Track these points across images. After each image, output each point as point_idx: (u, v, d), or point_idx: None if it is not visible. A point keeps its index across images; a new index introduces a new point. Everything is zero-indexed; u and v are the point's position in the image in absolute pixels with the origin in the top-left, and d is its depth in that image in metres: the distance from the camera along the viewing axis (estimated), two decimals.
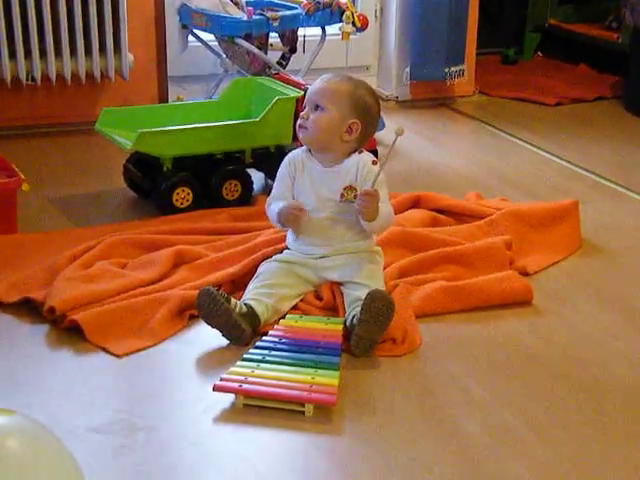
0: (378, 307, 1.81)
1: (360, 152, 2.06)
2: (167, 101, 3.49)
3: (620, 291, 2.20)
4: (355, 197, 2.01)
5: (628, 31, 3.98)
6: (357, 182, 2.02)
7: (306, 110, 2.03)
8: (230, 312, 1.86)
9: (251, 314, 1.90)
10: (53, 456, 1.21)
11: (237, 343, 1.87)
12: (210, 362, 1.84)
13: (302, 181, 2.06)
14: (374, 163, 2.04)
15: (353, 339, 1.83)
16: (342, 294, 2.01)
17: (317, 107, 2.01)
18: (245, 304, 1.92)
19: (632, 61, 3.87)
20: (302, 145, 2.09)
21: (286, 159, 2.10)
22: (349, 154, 2.05)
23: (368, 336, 1.82)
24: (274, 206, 2.05)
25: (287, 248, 2.12)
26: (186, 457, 1.55)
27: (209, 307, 1.86)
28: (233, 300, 1.90)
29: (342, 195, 2.03)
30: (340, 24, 3.27)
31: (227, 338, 1.89)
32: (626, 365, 1.87)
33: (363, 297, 1.88)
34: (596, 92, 4.05)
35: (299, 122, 2.03)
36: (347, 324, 1.91)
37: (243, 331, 1.86)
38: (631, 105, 3.82)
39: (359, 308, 1.85)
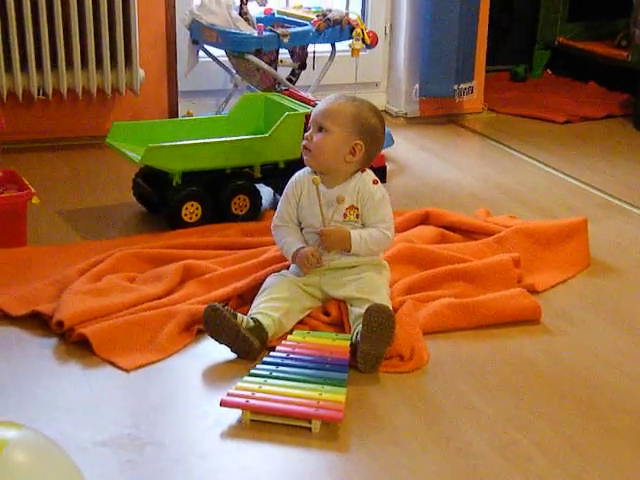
0: (378, 321, 1.81)
1: (363, 171, 2.06)
2: (177, 116, 3.51)
3: (629, 310, 2.20)
4: (357, 217, 2.02)
5: (638, 49, 3.98)
6: (358, 202, 2.03)
7: (310, 131, 2.04)
8: (237, 327, 1.86)
9: (258, 328, 1.90)
10: (61, 470, 1.21)
11: (246, 357, 1.87)
12: (217, 377, 1.84)
13: (307, 202, 2.06)
14: (375, 182, 2.04)
15: (359, 356, 1.83)
16: (348, 310, 2.01)
17: (321, 129, 2.01)
18: (252, 318, 1.92)
19: None
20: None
21: (292, 180, 2.10)
22: (352, 174, 2.05)
23: (373, 351, 1.82)
24: (289, 240, 2.05)
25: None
26: (193, 472, 1.55)
27: (216, 323, 1.86)
28: (240, 315, 1.90)
29: (345, 215, 2.03)
30: (350, 41, 3.28)
31: (235, 353, 1.89)
32: (635, 384, 1.86)
33: None
34: (605, 110, 4.05)
35: (303, 144, 2.04)
36: (352, 341, 1.91)
37: (251, 345, 1.86)
38: None
39: (361, 325, 1.85)
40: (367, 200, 2.02)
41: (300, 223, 2.10)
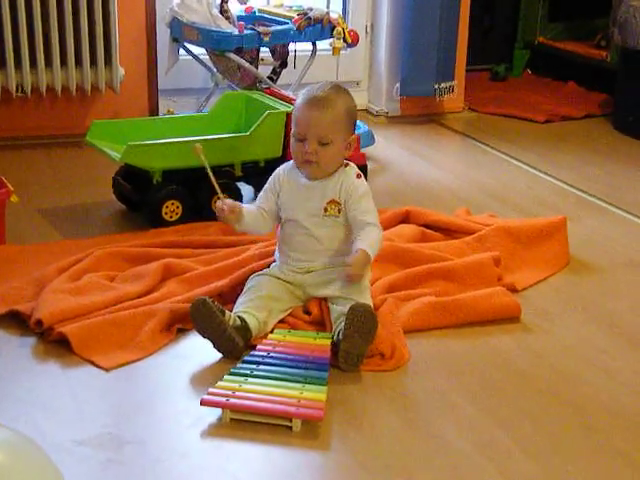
0: (361, 320, 1.81)
1: (346, 165, 2.06)
2: (157, 114, 3.49)
3: (607, 308, 2.21)
4: (339, 211, 2.01)
5: (617, 49, 4.01)
6: (340, 197, 2.02)
7: (310, 145, 1.98)
8: (225, 324, 1.85)
9: (244, 327, 1.90)
10: (39, 470, 1.20)
11: (229, 356, 1.87)
12: (198, 376, 1.84)
13: (288, 195, 2.06)
14: (358, 177, 2.04)
15: (340, 354, 1.83)
16: (329, 309, 2.01)
17: (322, 141, 1.98)
18: (239, 317, 1.92)
19: (620, 79, 3.90)
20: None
21: (275, 173, 2.10)
22: (339, 167, 2.05)
23: (354, 350, 1.82)
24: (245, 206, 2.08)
25: (275, 261, 2.12)
26: (173, 471, 1.54)
27: (203, 318, 1.85)
28: (227, 312, 1.90)
29: (325, 209, 2.03)
30: (331, 39, 3.28)
31: (219, 350, 1.88)
32: (614, 382, 1.87)
33: None
34: (585, 110, 4.08)
35: (306, 158, 1.99)
36: (334, 339, 1.91)
37: (236, 344, 1.86)
38: (619, 123, 3.84)
39: (344, 323, 1.85)
40: (351, 194, 2.01)
41: (280, 218, 2.09)
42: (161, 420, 1.69)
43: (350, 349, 1.82)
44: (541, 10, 4.65)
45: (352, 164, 2.08)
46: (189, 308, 1.88)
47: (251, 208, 2.10)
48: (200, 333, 1.88)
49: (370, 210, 2.02)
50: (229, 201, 2.04)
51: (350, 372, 1.84)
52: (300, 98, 2.03)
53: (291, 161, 2.08)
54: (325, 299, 2.04)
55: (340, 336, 1.85)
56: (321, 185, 2.03)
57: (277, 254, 2.12)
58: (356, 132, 3.11)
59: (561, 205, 2.92)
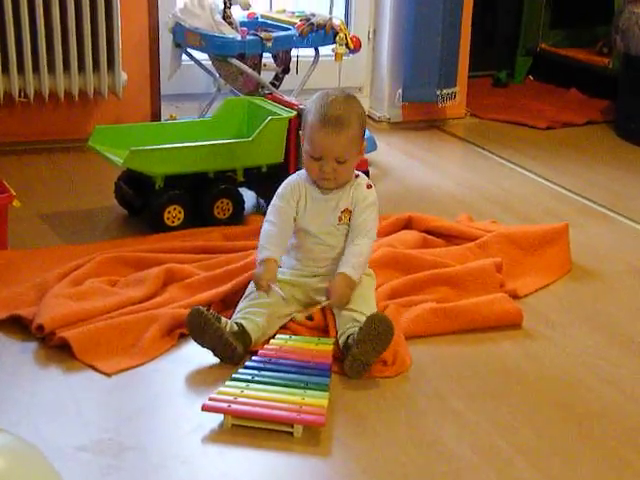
0: (377, 330, 1.81)
1: (357, 176, 2.06)
2: (160, 119, 3.50)
3: (610, 315, 2.21)
4: (350, 219, 2.02)
5: (619, 56, 4.01)
6: (352, 205, 2.03)
7: (329, 165, 1.97)
8: (221, 331, 1.85)
9: (242, 333, 1.90)
10: (40, 475, 1.20)
11: (229, 362, 1.87)
12: (199, 381, 1.83)
13: (304, 207, 2.04)
14: (368, 187, 2.05)
15: (348, 359, 1.83)
16: (333, 315, 2.01)
17: (339, 160, 1.98)
18: (236, 323, 1.92)
19: (622, 86, 3.90)
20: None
21: (293, 181, 2.06)
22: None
23: (363, 358, 1.82)
24: (268, 242, 1.99)
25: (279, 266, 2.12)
26: (174, 477, 1.54)
27: (199, 327, 1.85)
28: (224, 319, 1.90)
29: (340, 219, 2.03)
30: (333, 45, 3.28)
31: (219, 357, 1.88)
32: (615, 389, 1.87)
33: (358, 318, 1.89)
34: (587, 116, 4.08)
35: (325, 176, 1.98)
36: (340, 344, 1.91)
37: (235, 349, 1.86)
38: (621, 129, 3.85)
39: (355, 329, 1.85)
40: (359, 202, 2.03)
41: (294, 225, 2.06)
42: (162, 425, 1.69)
43: (359, 356, 1.81)
44: (543, 17, 4.66)
45: (363, 175, 2.09)
46: (185, 319, 1.88)
47: (281, 239, 2.03)
48: (198, 342, 1.88)
49: (370, 220, 2.03)
50: (267, 276, 1.96)
51: (353, 378, 1.84)
52: (313, 114, 1.98)
53: (304, 171, 2.07)
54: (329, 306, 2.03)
55: (350, 340, 1.85)
56: (335, 197, 2.03)
57: (283, 258, 2.10)
58: None
59: (563, 211, 2.92)
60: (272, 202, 2.06)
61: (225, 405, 1.68)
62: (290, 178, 2.09)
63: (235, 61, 3.12)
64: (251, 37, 3.14)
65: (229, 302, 2.09)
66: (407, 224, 2.58)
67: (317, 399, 1.71)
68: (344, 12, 3.88)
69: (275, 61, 3.36)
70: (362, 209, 2.02)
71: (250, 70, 3.17)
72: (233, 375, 1.79)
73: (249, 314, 1.95)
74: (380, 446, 1.64)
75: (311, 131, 1.99)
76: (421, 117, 3.90)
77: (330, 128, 1.96)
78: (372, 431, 1.68)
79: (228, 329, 1.88)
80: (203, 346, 1.88)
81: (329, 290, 1.96)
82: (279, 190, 2.07)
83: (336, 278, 1.96)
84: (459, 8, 3.73)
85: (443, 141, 3.77)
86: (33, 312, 1.99)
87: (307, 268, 2.06)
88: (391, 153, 3.50)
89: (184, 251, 2.36)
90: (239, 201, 2.62)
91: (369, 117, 3.92)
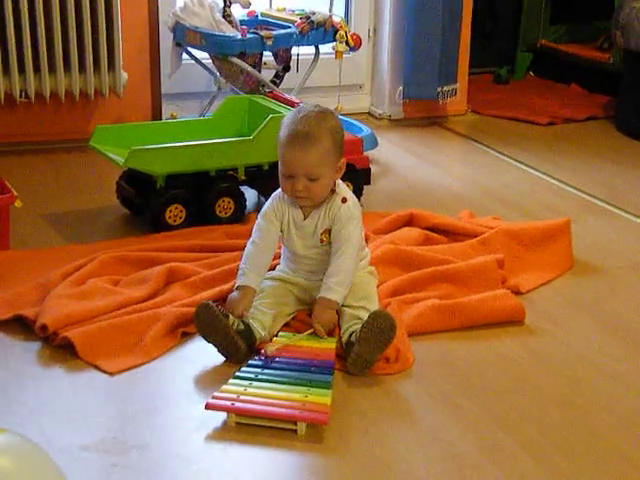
0: (380, 327, 1.81)
1: (333, 192, 2.00)
2: (161, 119, 3.50)
3: (612, 310, 2.21)
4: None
5: (619, 52, 4.01)
6: (330, 224, 1.99)
7: (300, 183, 1.93)
8: (228, 328, 1.85)
9: (248, 332, 1.90)
10: (45, 475, 1.20)
11: (233, 360, 1.87)
12: (203, 380, 1.84)
13: (288, 229, 2.02)
14: (344, 201, 2.00)
15: (351, 357, 1.83)
16: (336, 312, 2.01)
17: (312, 177, 1.93)
18: (242, 321, 1.92)
19: (623, 81, 3.89)
20: None
21: (275, 201, 2.02)
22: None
23: (365, 355, 1.82)
24: (249, 265, 1.99)
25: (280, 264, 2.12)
26: (178, 475, 1.54)
27: (207, 322, 1.85)
28: (231, 317, 1.90)
29: (322, 240, 2.01)
30: (333, 43, 3.28)
31: (223, 355, 1.88)
32: (619, 385, 1.87)
33: (361, 316, 1.89)
34: (587, 112, 4.07)
35: (297, 194, 1.94)
36: (343, 341, 1.91)
37: (239, 348, 1.86)
38: (622, 125, 3.84)
39: (358, 326, 1.85)
40: (336, 221, 1.99)
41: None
42: (166, 424, 1.70)
43: (362, 353, 1.81)
44: (543, 13, 4.66)
45: (339, 189, 2.01)
46: (193, 312, 1.88)
47: (264, 257, 2.02)
48: (204, 337, 1.88)
49: (350, 237, 1.97)
50: (242, 304, 1.95)
51: (355, 376, 1.84)
52: (282, 130, 1.96)
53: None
54: None
55: (353, 338, 1.85)
56: (313, 221, 2.00)
57: (282, 258, 2.11)
58: (360, 135, 3.13)
59: (564, 207, 2.92)
60: (257, 220, 2.05)
61: (229, 403, 1.68)
62: (275, 194, 2.04)
63: (236, 59, 3.12)
64: (251, 35, 3.14)
65: None
66: (409, 221, 2.58)
67: (320, 397, 1.71)
68: (344, 10, 3.88)
69: (275, 59, 3.36)
70: (342, 226, 1.98)
71: (251, 68, 3.17)
72: (236, 373, 1.80)
73: (255, 313, 1.95)
74: (383, 444, 1.64)
75: (281, 148, 1.96)
76: (422, 114, 3.90)
77: (298, 145, 1.92)
78: (375, 429, 1.68)
79: (235, 327, 1.88)
80: (208, 341, 1.87)
81: (313, 316, 1.96)
82: (264, 207, 2.05)
83: (317, 303, 1.96)
84: (459, 4, 3.73)
85: (444, 138, 3.77)
86: (36, 312, 1.99)
87: (303, 273, 2.07)
88: (392, 150, 3.50)
89: (186, 250, 2.37)
90: (241, 200, 2.62)
91: (370, 115, 3.92)
